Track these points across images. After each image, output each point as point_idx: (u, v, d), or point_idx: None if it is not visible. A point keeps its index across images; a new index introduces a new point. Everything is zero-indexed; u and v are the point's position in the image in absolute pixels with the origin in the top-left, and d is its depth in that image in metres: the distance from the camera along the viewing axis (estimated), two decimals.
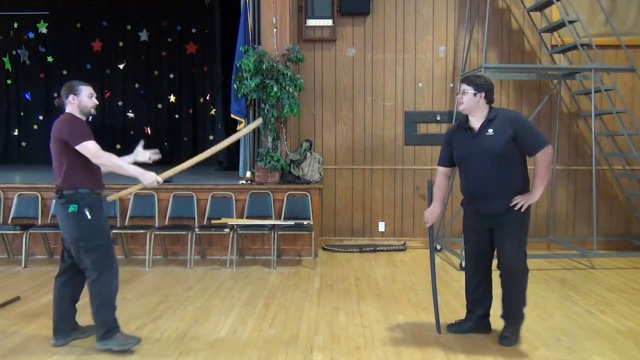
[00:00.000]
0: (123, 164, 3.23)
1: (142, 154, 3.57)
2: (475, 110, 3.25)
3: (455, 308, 4.02)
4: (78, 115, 3.20)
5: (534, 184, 3.18)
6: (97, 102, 3.30)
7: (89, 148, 3.08)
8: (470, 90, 3.22)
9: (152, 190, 5.72)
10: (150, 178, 3.24)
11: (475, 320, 3.49)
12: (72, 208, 3.08)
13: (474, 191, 3.31)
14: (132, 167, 3.26)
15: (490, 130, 3.19)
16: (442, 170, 3.49)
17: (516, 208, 3.15)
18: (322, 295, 4.38)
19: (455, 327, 3.54)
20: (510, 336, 3.29)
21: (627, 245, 6.08)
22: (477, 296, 3.48)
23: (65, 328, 3.28)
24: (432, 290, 3.57)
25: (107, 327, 3.14)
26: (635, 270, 5.34)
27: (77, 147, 3.06)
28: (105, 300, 3.14)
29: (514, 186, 3.19)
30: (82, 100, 3.18)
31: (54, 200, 3.25)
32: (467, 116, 3.30)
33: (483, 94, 3.22)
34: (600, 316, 3.83)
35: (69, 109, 3.20)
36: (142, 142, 3.62)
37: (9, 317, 3.76)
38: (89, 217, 3.10)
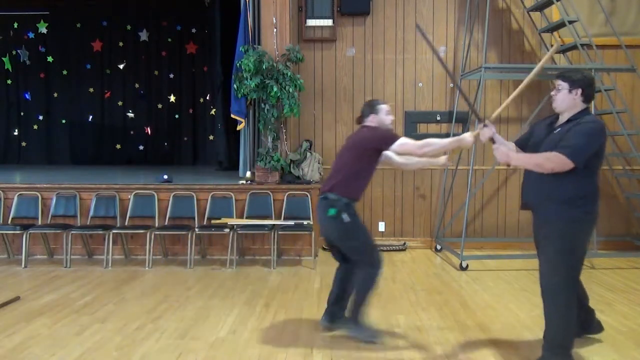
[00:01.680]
0: (440, 141, 3.23)
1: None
2: (571, 109, 2.89)
3: (456, 308, 4.02)
4: None
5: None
6: (393, 118, 3.56)
7: (409, 142, 3.25)
8: (564, 86, 2.89)
9: (152, 190, 5.73)
10: (467, 139, 3.17)
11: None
12: (332, 212, 3.28)
13: (524, 185, 3.09)
14: (447, 139, 3.26)
15: (559, 129, 2.91)
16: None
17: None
18: (322, 295, 4.37)
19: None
20: None
21: (627, 245, 6.07)
22: None
23: (335, 313, 3.56)
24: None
25: (360, 317, 3.36)
26: (635, 270, 5.35)
27: (396, 145, 3.24)
28: (365, 293, 3.34)
29: (559, 193, 2.83)
30: (381, 118, 3.43)
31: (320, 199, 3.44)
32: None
33: (580, 91, 2.85)
34: (600, 316, 3.81)
35: (368, 124, 3.45)
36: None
37: (9, 317, 3.76)
38: (348, 219, 3.28)
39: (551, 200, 2.87)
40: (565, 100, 2.89)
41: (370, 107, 3.47)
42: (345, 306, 3.54)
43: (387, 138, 3.31)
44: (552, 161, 2.77)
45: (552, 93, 2.98)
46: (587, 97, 2.89)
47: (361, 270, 3.34)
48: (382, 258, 3.40)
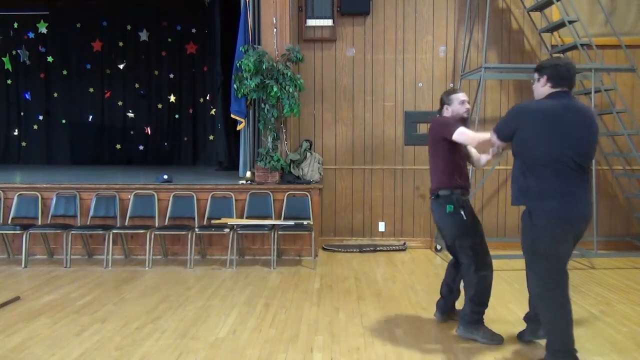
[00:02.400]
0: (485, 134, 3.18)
1: None
2: (541, 97, 2.81)
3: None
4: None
5: None
6: (469, 107, 3.49)
7: (463, 132, 3.19)
8: (535, 77, 2.84)
9: (152, 190, 5.73)
10: None
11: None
12: (450, 208, 3.28)
13: None
14: None
15: None
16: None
17: None
18: (322, 295, 4.38)
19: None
20: None
21: (627, 245, 6.07)
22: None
23: (444, 308, 3.64)
24: None
25: (474, 319, 3.31)
26: (635, 270, 5.34)
27: (455, 135, 3.18)
28: (478, 296, 3.30)
29: (515, 190, 2.83)
30: (454, 108, 3.42)
31: (431, 200, 3.44)
32: None
33: (545, 78, 2.76)
34: (600, 316, 3.83)
35: (444, 114, 3.49)
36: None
37: (9, 317, 3.76)
38: (464, 217, 3.28)
39: (515, 197, 2.88)
40: (536, 90, 2.86)
41: (445, 98, 3.47)
42: (455, 299, 3.63)
43: (445, 127, 3.28)
44: (473, 139, 3.08)
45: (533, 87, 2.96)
46: (556, 82, 2.73)
47: (472, 272, 3.27)
48: (492, 263, 3.38)
